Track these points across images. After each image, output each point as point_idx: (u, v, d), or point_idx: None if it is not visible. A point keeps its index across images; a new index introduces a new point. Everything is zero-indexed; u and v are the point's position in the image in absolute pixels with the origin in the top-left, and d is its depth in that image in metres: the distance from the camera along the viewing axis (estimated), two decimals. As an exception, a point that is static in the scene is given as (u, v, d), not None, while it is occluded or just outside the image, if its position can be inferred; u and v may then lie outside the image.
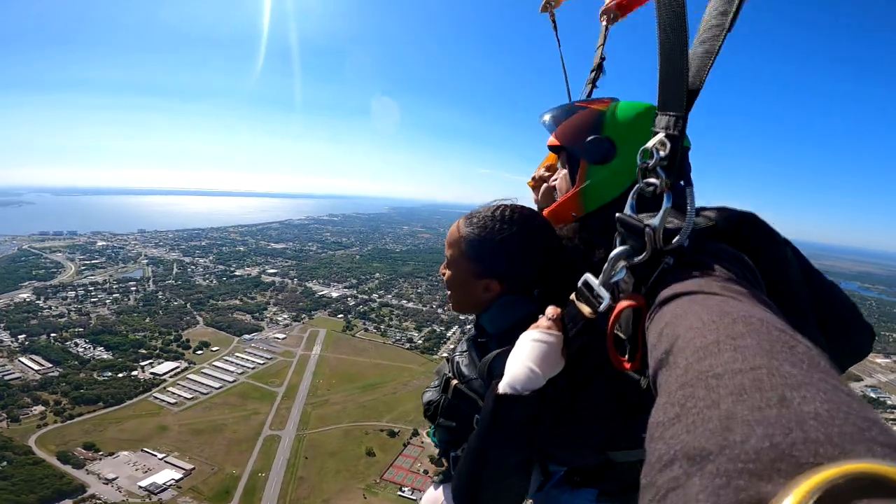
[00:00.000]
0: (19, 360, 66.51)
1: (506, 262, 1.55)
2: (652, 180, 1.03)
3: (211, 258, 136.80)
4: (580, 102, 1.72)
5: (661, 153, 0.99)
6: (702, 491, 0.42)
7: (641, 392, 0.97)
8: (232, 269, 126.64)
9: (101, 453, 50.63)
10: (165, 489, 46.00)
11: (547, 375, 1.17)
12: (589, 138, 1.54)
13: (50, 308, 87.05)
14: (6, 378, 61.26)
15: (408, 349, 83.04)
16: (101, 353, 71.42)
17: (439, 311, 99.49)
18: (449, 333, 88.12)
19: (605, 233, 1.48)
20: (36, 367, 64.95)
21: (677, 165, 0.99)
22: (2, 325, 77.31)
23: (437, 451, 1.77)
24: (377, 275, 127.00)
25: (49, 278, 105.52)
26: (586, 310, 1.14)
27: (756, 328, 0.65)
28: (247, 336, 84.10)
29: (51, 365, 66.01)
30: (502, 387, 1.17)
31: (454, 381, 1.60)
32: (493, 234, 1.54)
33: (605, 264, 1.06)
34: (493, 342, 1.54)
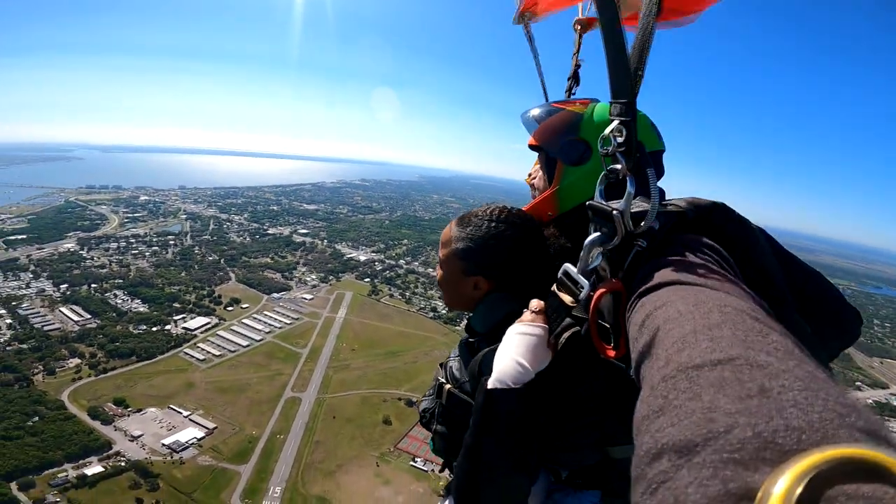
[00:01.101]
0: (60, 311, 69.51)
1: (494, 260, 1.59)
2: (615, 166, 1.10)
3: (246, 216, 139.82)
4: (559, 103, 1.73)
5: (619, 139, 1.05)
6: (690, 483, 0.43)
7: (632, 383, 0.99)
8: (265, 227, 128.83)
9: (129, 409, 52.24)
10: (187, 447, 47.35)
11: (535, 368, 1.17)
12: (565, 140, 1.59)
13: (92, 259, 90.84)
14: (46, 328, 64.09)
15: (431, 318, 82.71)
16: (138, 306, 74.16)
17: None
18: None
19: (579, 231, 1.53)
20: (76, 317, 67.78)
21: (634, 150, 1.05)
22: (45, 274, 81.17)
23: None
24: (405, 241, 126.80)
25: (93, 229, 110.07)
26: (567, 298, 1.14)
27: (731, 317, 0.66)
28: (275, 294, 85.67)
29: (90, 316, 68.71)
30: (491, 382, 1.17)
31: (447, 386, 1.60)
32: (482, 231, 1.60)
33: (582, 251, 1.12)
34: (482, 342, 1.55)
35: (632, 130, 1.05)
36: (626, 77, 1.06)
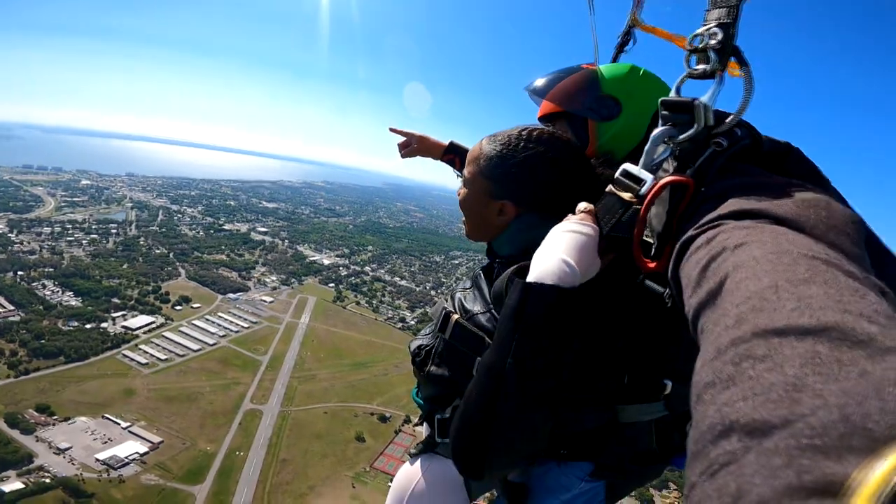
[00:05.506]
0: (-23, 299, 60.31)
1: (525, 183, 1.36)
2: (700, 66, 0.97)
3: (199, 209, 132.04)
4: (562, 70, 1.67)
5: (713, 41, 0.93)
6: (758, 471, 0.35)
7: (664, 319, 0.87)
8: (220, 222, 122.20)
9: (55, 417, 44.96)
10: (127, 463, 40.77)
11: (583, 272, 0.98)
12: (591, 97, 1.56)
13: (22, 243, 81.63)
14: (-40, 319, 54.99)
15: (400, 329, 79.34)
16: (70, 299, 65.74)
17: (433, 292, 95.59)
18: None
19: None
20: (-4, 308, 58.86)
21: (730, 49, 0.94)
22: (-35, 257, 70.89)
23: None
24: (370, 247, 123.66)
25: (26, 211, 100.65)
26: (626, 195, 1.01)
27: (821, 271, 0.55)
28: (231, 295, 79.59)
29: (13, 308, 60.01)
30: (531, 278, 0.97)
31: (455, 316, 1.36)
32: (515, 151, 1.36)
33: (647, 145, 1.01)
34: (506, 266, 1.26)
35: (731, 32, 0.93)
36: None
